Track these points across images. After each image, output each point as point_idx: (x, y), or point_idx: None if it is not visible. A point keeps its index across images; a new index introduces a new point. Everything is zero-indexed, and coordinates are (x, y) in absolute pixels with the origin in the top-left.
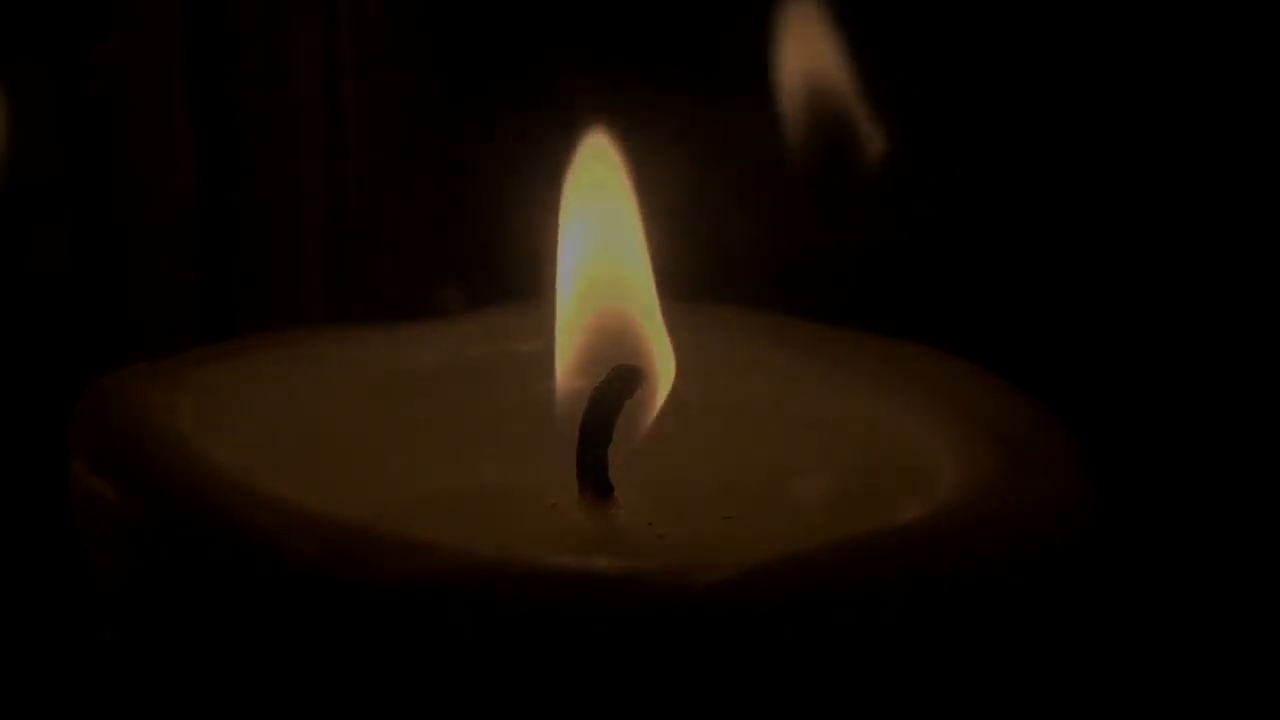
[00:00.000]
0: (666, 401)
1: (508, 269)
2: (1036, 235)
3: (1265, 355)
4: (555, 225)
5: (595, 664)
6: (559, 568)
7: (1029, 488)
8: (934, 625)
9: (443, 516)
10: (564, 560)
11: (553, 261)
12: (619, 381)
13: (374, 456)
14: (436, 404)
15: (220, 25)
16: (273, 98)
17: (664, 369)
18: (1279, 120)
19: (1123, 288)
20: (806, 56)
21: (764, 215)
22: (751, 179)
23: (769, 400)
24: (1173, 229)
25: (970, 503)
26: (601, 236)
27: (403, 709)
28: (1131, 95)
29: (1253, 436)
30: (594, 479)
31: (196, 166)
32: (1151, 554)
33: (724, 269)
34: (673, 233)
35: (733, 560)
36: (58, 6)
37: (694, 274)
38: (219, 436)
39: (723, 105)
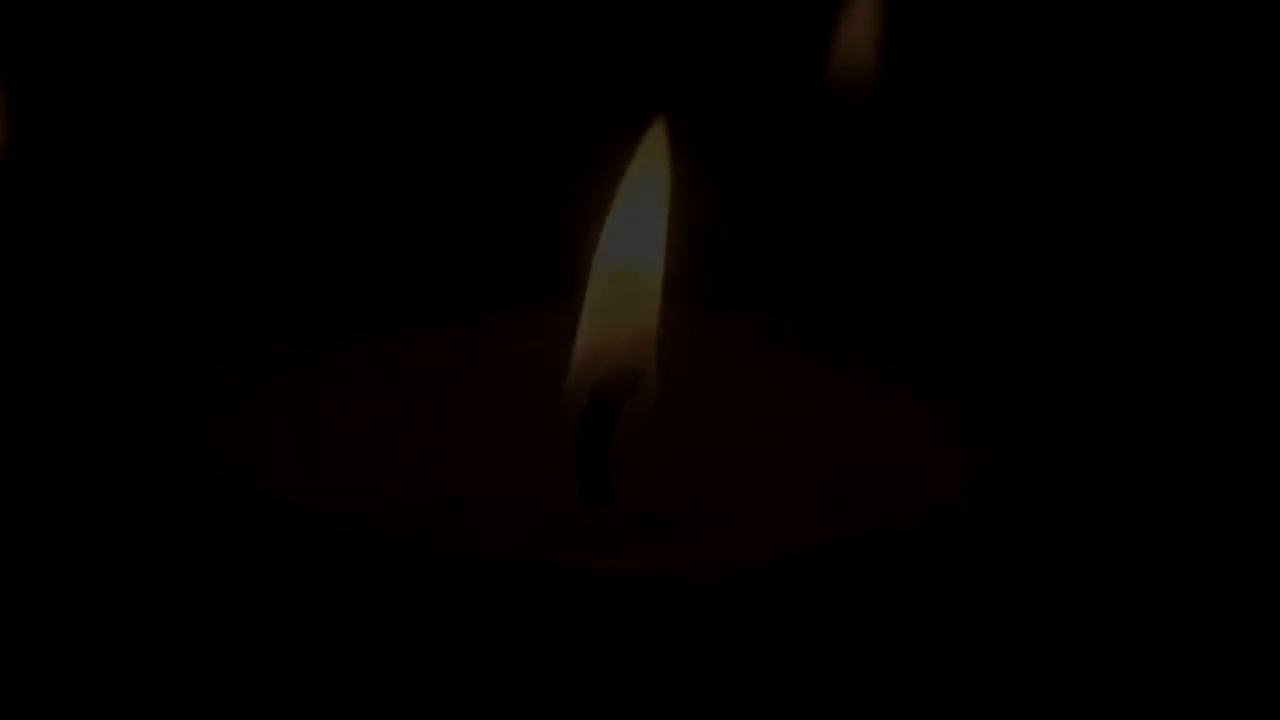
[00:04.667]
0: (669, 402)
1: (511, 270)
2: (1034, 235)
3: (1258, 349)
4: (566, 224)
5: (595, 663)
6: (559, 568)
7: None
8: (929, 622)
9: (443, 517)
10: (564, 560)
11: (563, 262)
12: (617, 383)
13: (375, 457)
14: (437, 404)
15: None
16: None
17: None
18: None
19: (1116, 287)
20: (855, 45)
21: (766, 215)
22: (756, 179)
23: (770, 400)
24: (1162, 228)
25: (967, 503)
26: (634, 239)
27: (403, 708)
28: (1130, 96)
29: (1248, 428)
30: (594, 479)
31: (197, 168)
32: (1141, 541)
33: (726, 268)
34: (681, 231)
35: (733, 560)
36: None
37: (696, 273)
38: (219, 438)
39: (730, 105)
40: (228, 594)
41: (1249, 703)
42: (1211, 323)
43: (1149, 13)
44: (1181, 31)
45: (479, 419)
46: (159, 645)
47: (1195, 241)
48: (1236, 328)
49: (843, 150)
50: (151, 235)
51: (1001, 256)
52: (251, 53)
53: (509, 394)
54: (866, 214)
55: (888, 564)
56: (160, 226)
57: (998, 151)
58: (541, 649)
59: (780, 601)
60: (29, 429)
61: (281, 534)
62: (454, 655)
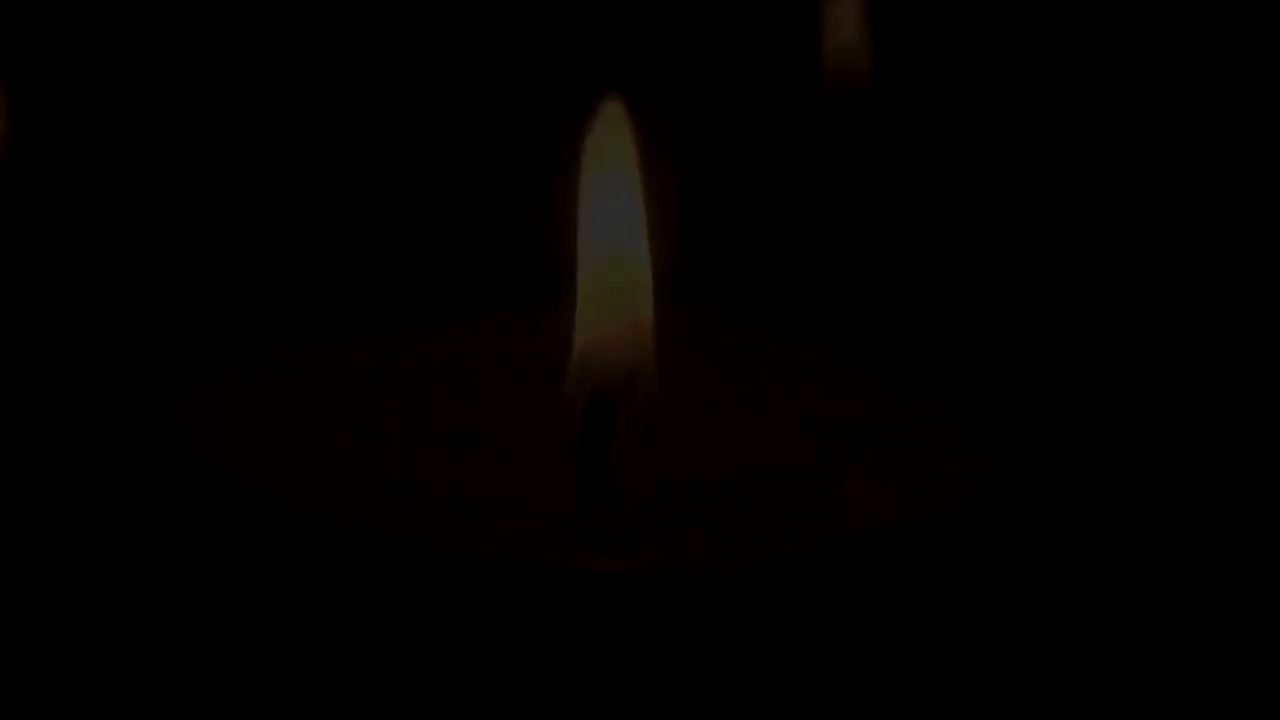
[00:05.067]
0: (669, 402)
1: (511, 270)
2: (1035, 233)
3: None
4: (562, 216)
5: (595, 663)
6: (559, 568)
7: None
8: (928, 624)
9: (443, 517)
10: (564, 560)
11: (561, 259)
12: (617, 382)
13: (376, 457)
14: (437, 404)
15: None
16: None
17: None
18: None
19: (1116, 286)
20: (842, 36)
21: (766, 214)
22: (751, 173)
23: (769, 400)
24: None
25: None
26: (613, 228)
27: (403, 707)
28: (1130, 96)
29: (1248, 432)
30: (594, 480)
31: (198, 168)
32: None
33: (727, 266)
34: (677, 229)
35: (733, 561)
36: None
37: (698, 272)
38: (219, 439)
39: (727, 97)
40: (228, 594)
41: (1249, 703)
42: (1212, 326)
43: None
44: (1177, 14)
45: (479, 419)
46: (160, 645)
47: (1194, 239)
48: (1237, 330)
49: (840, 142)
50: (152, 235)
51: (1002, 255)
52: (251, 54)
53: (509, 394)
54: (866, 210)
55: (887, 565)
56: (161, 226)
57: (997, 144)
58: (541, 649)
59: (780, 601)
60: (30, 429)
61: (281, 534)
62: (454, 655)
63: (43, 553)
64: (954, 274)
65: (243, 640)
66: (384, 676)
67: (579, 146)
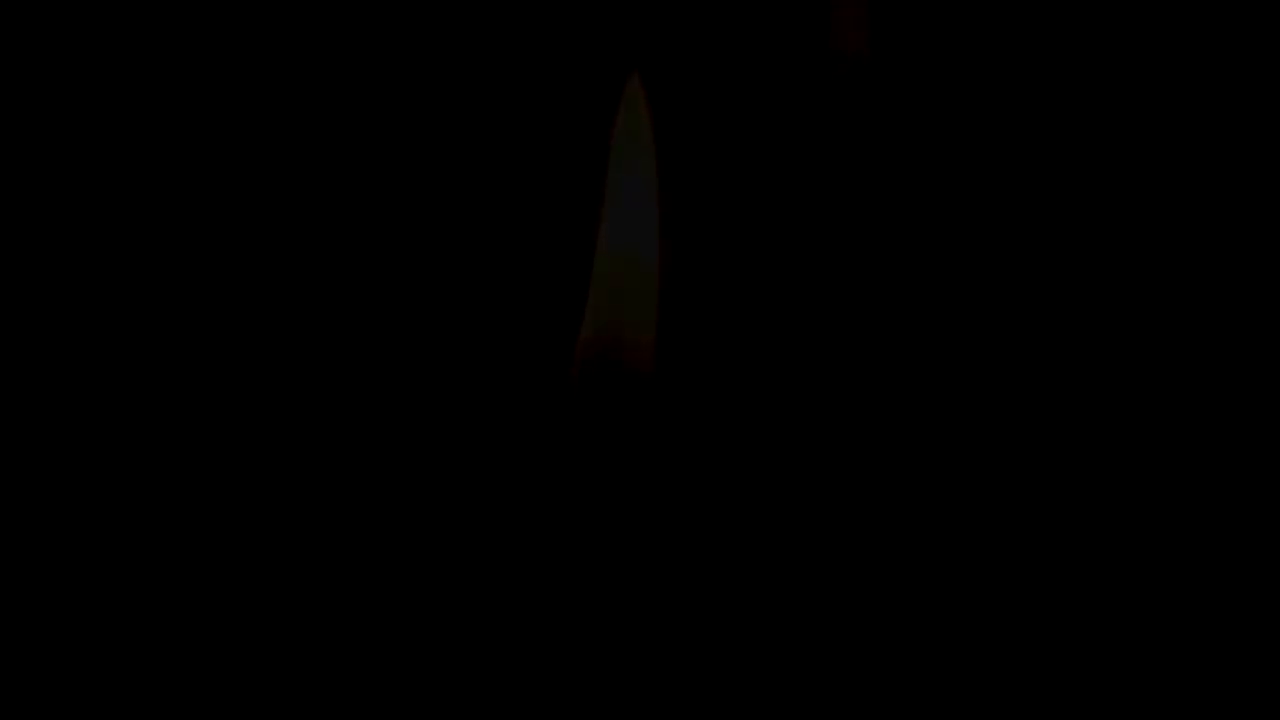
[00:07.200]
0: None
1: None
2: (1034, 234)
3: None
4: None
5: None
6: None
7: None
8: None
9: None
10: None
11: (577, 254)
12: (618, 378)
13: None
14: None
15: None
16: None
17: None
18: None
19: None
20: (849, 31)
21: (766, 209)
22: (755, 159)
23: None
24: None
25: None
26: (629, 228)
27: (403, 706)
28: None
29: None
30: (591, 471)
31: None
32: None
33: (729, 262)
34: (687, 227)
35: None
36: None
37: (698, 267)
38: None
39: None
40: (230, 589)
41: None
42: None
43: None
44: (1180, 9)
45: (481, 410)
46: (161, 641)
47: (1197, 237)
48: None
49: (844, 128)
50: (151, 233)
51: (1004, 251)
52: (252, 53)
53: (513, 385)
54: (868, 200)
55: None
56: (160, 225)
57: (1000, 141)
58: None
59: None
60: (30, 428)
61: (280, 525)
62: (451, 651)
63: (48, 547)
64: (953, 269)
65: (244, 637)
66: (384, 675)
67: (600, 135)
